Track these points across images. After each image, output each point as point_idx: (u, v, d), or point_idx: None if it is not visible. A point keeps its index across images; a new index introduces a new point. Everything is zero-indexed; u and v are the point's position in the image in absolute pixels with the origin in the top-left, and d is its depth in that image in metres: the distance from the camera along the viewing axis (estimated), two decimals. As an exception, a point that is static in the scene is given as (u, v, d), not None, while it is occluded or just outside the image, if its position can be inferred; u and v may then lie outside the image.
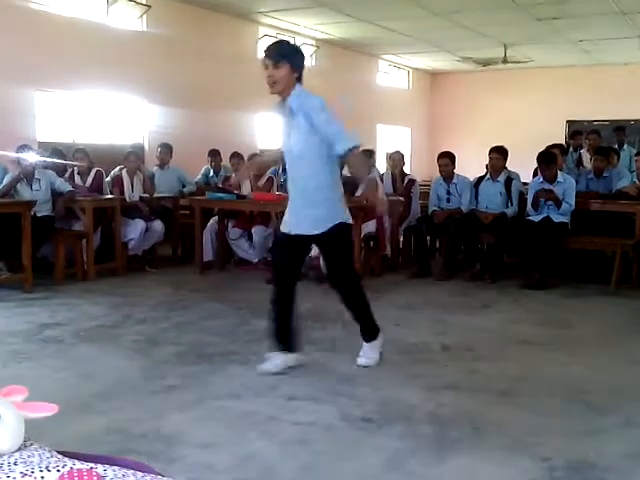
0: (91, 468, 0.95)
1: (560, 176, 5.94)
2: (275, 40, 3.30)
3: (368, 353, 3.50)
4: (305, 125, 3.11)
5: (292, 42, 3.35)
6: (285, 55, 3.13)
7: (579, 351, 3.91)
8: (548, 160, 5.94)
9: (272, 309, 3.38)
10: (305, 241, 3.34)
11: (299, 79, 3.18)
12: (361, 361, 3.48)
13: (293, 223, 3.31)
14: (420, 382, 3.29)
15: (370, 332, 3.51)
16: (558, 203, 5.80)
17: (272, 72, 3.09)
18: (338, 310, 4.83)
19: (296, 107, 3.13)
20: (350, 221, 3.35)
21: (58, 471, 0.93)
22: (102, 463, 0.98)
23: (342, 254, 3.37)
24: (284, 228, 3.36)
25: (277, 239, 3.68)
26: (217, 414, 2.87)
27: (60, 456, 1.00)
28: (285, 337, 3.38)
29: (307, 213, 3.23)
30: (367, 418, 2.82)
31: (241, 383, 3.25)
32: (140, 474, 0.95)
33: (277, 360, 3.36)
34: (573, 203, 5.86)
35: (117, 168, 6.74)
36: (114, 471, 0.95)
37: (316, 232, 3.25)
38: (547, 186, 5.91)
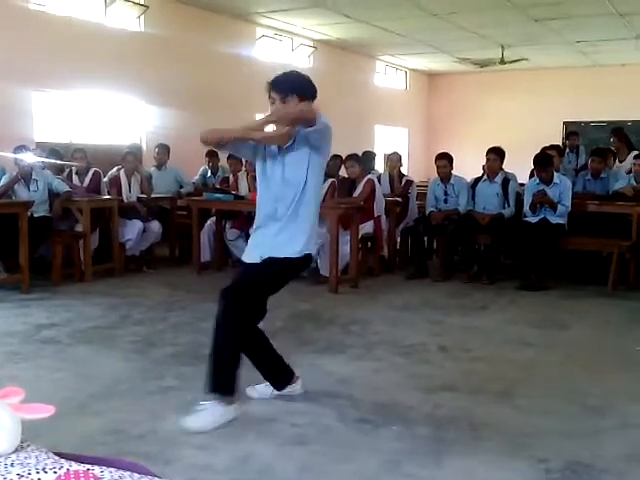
0: (88, 470, 0.95)
1: (556, 177, 5.95)
2: (281, 73, 2.91)
3: (204, 414, 2.71)
4: (306, 154, 2.81)
5: (297, 71, 2.95)
6: (293, 89, 2.81)
7: (576, 352, 3.92)
8: (544, 163, 5.95)
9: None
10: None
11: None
12: (187, 421, 2.67)
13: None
14: (417, 383, 3.29)
15: (221, 385, 2.75)
16: (554, 206, 5.81)
17: (280, 107, 2.78)
18: (335, 311, 4.85)
19: (301, 137, 2.79)
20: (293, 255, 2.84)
21: (55, 473, 0.93)
22: (99, 464, 0.98)
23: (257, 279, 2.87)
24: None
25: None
26: (214, 415, 2.86)
27: (57, 457, 0.99)
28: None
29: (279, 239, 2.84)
30: (364, 419, 2.82)
31: (238, 384, 3.24)
32: (137, 476, 0.95)
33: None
34: (569, 204, 5.87)
35: (115, 168, 6.74)
36: (111, 472, 0.95)
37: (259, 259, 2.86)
38: (543, 187, 5.91)
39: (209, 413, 2.72)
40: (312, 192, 2.86)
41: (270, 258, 2.82)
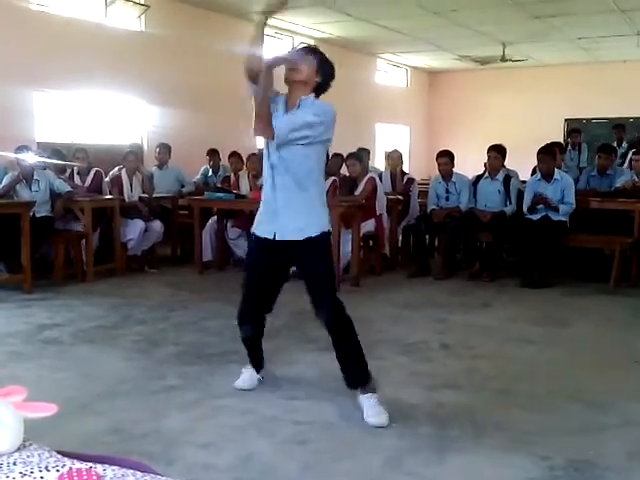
0: (90, 468, 0.95)
1: (557, 173, 5.94)
2: None
3: (377, 409, 2.81)
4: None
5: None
6: (316, 54, 2.88)
7: (578, 349, 3.92)
8: (548, 151, 5.96)
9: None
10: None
11: (318, 90, 2.87)
12: (372, 421, 2.75)
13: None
14: (419, 381, 3.29)
15: (368, 375, 2.91)
16: (555, 209, 5.80)
17: (298, 61, 2.84)
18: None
19: (306, 106, 2.80)
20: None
21: (57, 471, 0.94)
22: (102, 463, 0.98)
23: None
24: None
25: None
26: (217, 414, 2.87)
27: (59, 456, 1.00)
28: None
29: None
30: (367, 417, 2.82)
31: (241, 383, 3.25)
32: (140, 474, 0.95)
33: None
34: (573, 201, 5.84)
35: (116, 168, 6.74)
36: (113, 471, 0.95)
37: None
38: (544, 184, 5.91)
39: (374, 406, 2.79)
40: (316, 171, 2.88)
41: (318, 236, 2.84)
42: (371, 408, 2.79)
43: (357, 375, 2.88)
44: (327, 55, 2.96)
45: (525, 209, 5.98)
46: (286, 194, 2.84)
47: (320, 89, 2.88)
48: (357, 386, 2.87)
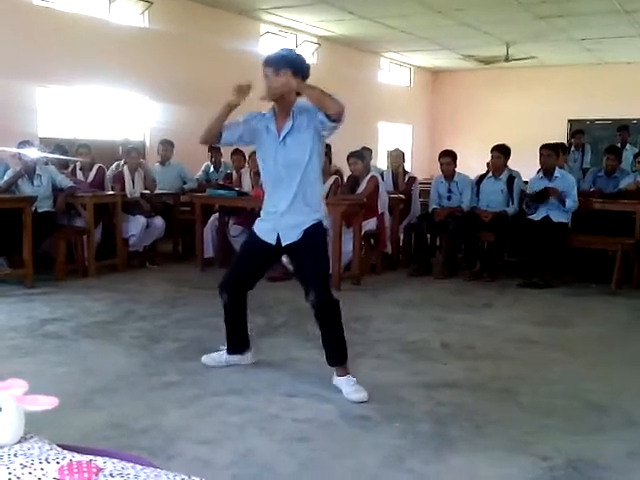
0: (90, 460, 0.95)
1: (557, 172, 5.94)
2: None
3: (355, 387, 3.05)
4: (310, 136, 2.95)
5: (295, 49, 3.10)
6: (287, 62, 2.88)
7: (579, 350, 3.91)
8: (551, 147, 6.00)
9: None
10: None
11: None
12: (353, 398, 2.99)
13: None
14: (420, 380, 3.29)
15: (345, 355, 3.17)
16: (562, 199, 5.77)
17: (272, 80, 2.87)
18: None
19: (304, 120, 2.91)
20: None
21: (57, 463, 0.94)
22: (102, 456, 0.98)
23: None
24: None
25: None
26: (217, 410, 2.87)
27: (60, 449, 1.00)
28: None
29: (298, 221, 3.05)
30: (366, 416, 2.82)
31: (241, 380, 3.25)
32: (139, 467, 0.96)
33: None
34: (576, 199, 5.83)
35: (114, 164, 6.75)
36: (113, 463, 0.95)
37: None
38: (545, 182, 5.91)
39: (353, 385, 3.03)
40: (316, 174, 3.04)
41: (311, 228, 3.00)
42: (350, 386, 3.01)
43: (338, 354, 3.11)
44: (298, 51, 3.09)
45: (524, 206, 5.97)
46: (293, 193, 3.00)
47: None
48: (337, 364, 3.09)
